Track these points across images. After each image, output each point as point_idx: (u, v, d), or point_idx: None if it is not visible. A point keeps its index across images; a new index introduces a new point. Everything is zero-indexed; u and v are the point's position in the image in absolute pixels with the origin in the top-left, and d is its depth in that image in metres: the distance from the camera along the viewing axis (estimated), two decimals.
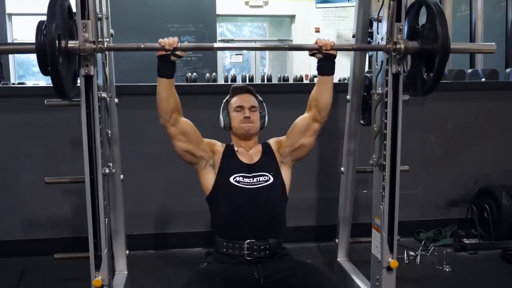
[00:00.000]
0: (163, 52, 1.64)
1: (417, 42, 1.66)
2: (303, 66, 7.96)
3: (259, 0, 8.25)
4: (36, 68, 1.41)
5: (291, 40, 8.70)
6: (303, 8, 8.29)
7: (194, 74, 4.96)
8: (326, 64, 1.78)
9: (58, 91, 1.45)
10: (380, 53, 1.81)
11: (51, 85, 1.43)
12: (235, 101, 1.92)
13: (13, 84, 5.08)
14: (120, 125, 2.15)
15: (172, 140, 1.80)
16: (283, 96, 2.93)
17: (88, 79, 1.57)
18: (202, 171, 1.86)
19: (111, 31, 1.99)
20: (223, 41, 8.64)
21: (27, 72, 8.39)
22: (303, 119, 1.88)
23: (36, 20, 1.44)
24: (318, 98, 1.83)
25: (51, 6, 1.40)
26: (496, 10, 6.51)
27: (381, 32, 1.79)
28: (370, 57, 1.99)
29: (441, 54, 1.57)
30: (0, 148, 2.78)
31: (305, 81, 5.94)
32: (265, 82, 5.60)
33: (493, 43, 1.75)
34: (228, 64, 9.09)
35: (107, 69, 1.84)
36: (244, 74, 5.80)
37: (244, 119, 1.87)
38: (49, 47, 1.37)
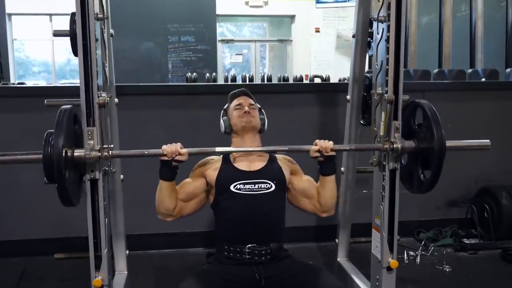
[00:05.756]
0: (166, 158, 1.68)
1: (413, 141, 1.72)
2: (303, 66, 7.97)
3: (259, 0, 8.25)
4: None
5: (291, 40, 8.71)
6: (303, 8, 8.31)
7: (194, 74, 4.97)
8: (327, 166, 1.79)
9: (64, 201, 1.49)
10: (379, 53, 1.81)
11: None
12: (234, 103, 1.94)
13: (13, 84, 5.09)
14: (120, 125, 2.15)
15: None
16: (283, 96, 2.93)
17: (94, 182, 1.60)
18: (208, 194, 1.88)
19: (111, 31, 1.99)
20: (223, 41, 8.65)
21: (27, 72, 8.39)
22: (313, 189, 1.86)
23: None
24: (323, 195, 1.83)
25: (59, 118, 1.46)
26: (496, 10, 6.52)
27: (378, 131, 1.82)
28: (370, 57, 1.99)
29: (437, 156, 1.63)
30: (0, 148, 2.77)
31: (305, 81, 5.94)
32: (265, 82, 5.61)
33: (488, 140, 1.78)
34: (228, 64, 9.10)
35: (107, 69, 1.84)
36: (244, 74, 5.81)
37: (243, 114, 1.87)
38: (56, 160, 1.44)
